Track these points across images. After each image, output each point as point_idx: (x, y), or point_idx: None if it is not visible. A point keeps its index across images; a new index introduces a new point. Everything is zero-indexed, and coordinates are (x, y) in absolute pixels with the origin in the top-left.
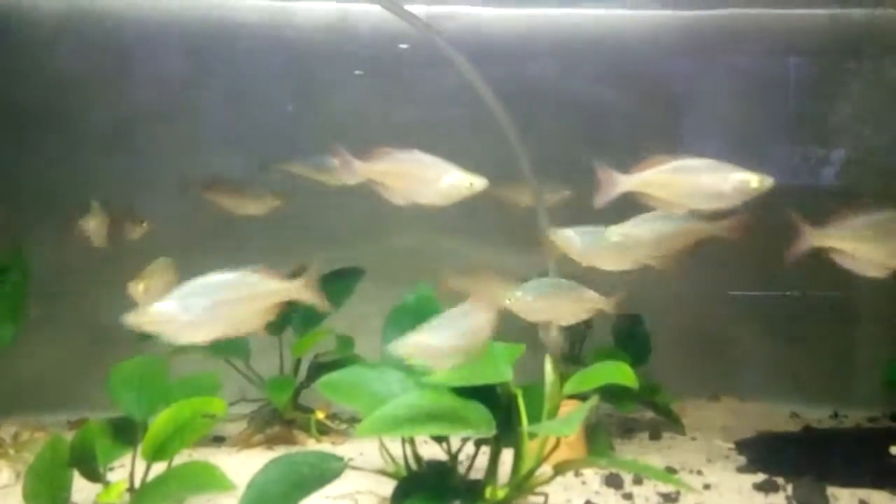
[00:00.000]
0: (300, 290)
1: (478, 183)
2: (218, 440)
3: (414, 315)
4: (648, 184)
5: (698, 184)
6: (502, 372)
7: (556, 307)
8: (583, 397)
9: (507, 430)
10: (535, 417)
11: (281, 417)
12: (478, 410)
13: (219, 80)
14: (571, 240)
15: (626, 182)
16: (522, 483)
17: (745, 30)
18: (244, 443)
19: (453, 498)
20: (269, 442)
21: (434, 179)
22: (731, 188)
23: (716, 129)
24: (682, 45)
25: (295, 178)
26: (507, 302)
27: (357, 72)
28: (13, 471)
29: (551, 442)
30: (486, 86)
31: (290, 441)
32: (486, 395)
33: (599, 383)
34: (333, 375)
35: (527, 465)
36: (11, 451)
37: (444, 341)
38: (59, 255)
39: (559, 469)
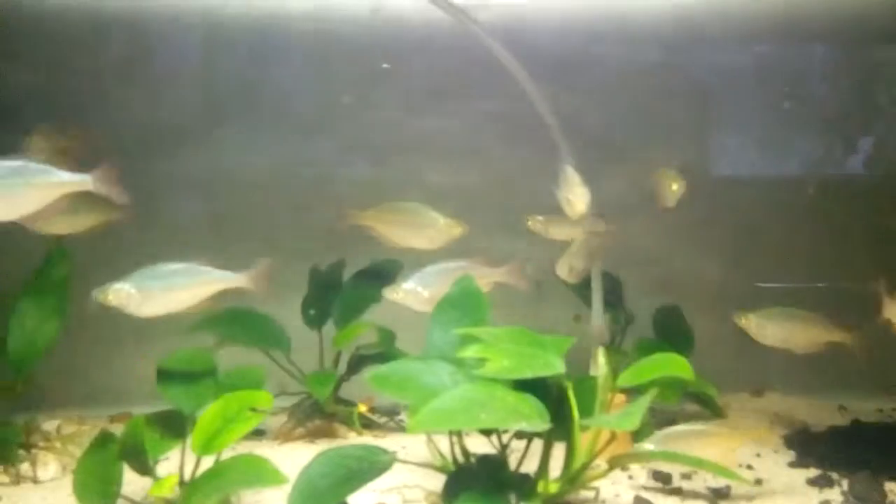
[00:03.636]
0: (243, 281)
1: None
2: (259, 433)
3: (459, 307)
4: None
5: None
6: (554, 364)
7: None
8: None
9: (559, 424)
10: (586, 411)
11: (322, 411)
12: (531, 403)
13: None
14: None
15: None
16: (575, 477)
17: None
18: (285, 436)
19: (507, 491)
20: (311, 435)
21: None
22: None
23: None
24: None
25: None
26: (394, 295)
27: (384, 65)
28: (60, 464)
29: (605, 436)
30: (525, 74)
31: (331, 434)
32: (538, 388)
33: (655, 375)
34: (383, 368)
35: (580, 459)
36: (58, 445)
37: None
38: (96, 250)
39: (614, 463)
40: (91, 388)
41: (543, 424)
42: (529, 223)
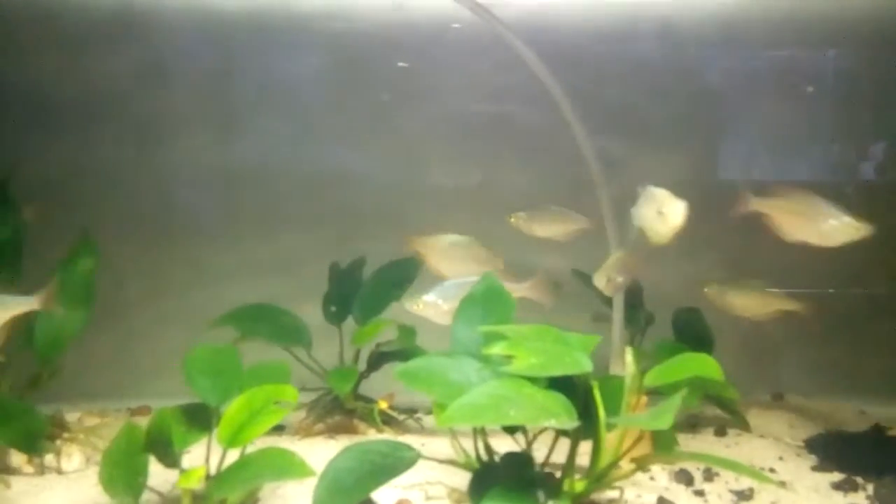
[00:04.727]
0: (36, 304)
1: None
2: (278, 429)
3: (482, 305)
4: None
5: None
6: (582, 362)
7: None
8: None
9: (585, 422)
10: (612, 410)
11: (342, 407)
12: (559, 400)
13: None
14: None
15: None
16: (602, 476)
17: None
18: (305, 431)
19: (534, 489)
20: (330, 431)
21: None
22: (837, 233)
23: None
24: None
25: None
26: (415, 307)
27: (401, 63)
28: (84, 455)
29: (631, 435)
30: (548, 72)
31: (350, 431)
32: (564, 386)
33: (683, 376)
34: (410, 364)
35: (607, 458)
36: (81, 436)
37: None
38: (119, 247)
39: (643, 463)
40: (111, 381)
41: (572, 422)
42: (512, 220)
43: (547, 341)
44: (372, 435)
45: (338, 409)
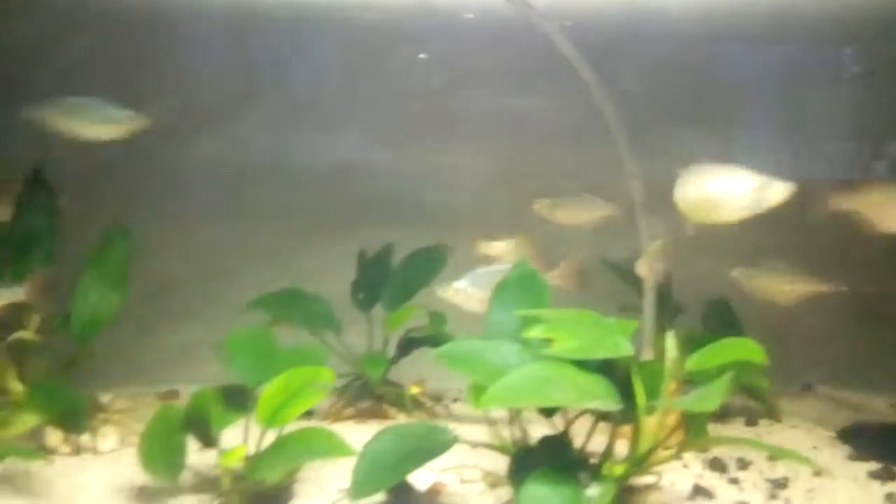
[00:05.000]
0: (22, 296)
1: None
2: (308, 413)
3: (518, 290)
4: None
5: None
6: (622, 346)
7: None
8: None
9: (626, 406)
10: (652, 395)
11: (371, 392)
12: (601, 383)
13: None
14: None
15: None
16: (641, 461)
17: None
18: (335, 416)
19: (576, 472)
20: (360, 416)
21: None
22: None
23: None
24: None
25: None
26: (446, 293)
27: (421, 55)
28: (119, 436)
29: (671, 420)
30: (584, 64)
31: (380, 416)
32: (604, 370)
33: (726, 360)
34: (449, 346)
35: (647, 442)
36: (116, 417)
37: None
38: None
39: (682, 448)
40: (139, 365)
41: (615, 404)
42: (536, 206)
43: (585, 325)
44: (401, 420)
45: (367, 394)
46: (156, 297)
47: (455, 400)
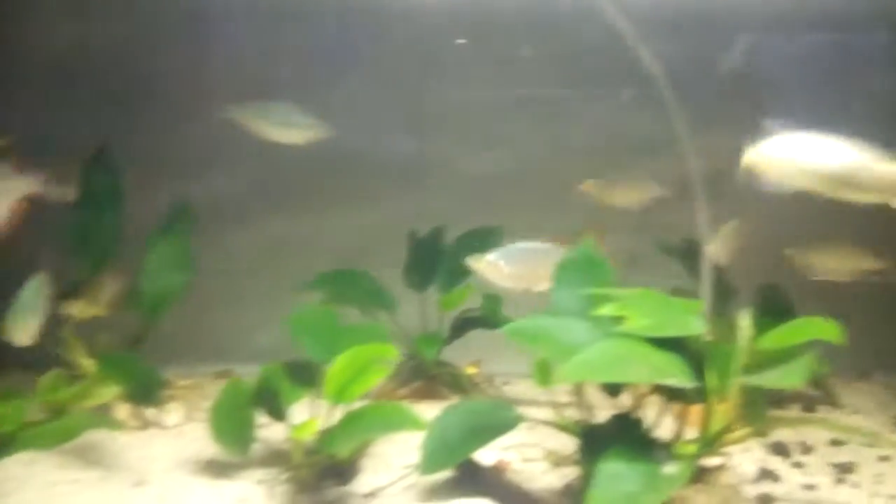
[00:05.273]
0: (36, 186)
1: None
2: None
3: (582, 270)
4: None
5: None
6: (694, 324)
7: (530, 271)
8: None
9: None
10: (724, 374)
11: (424, 372)
12: (675, 360)
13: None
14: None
15: None
16: (713, 441)
17: None
18: (388, 396)
19: (649, 450)
20: (413, 396)
21: None
22: None
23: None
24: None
25: None
26: (476, 265)
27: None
28: (185, 411)
29: (738, 402)
30: (650, 55)
31: (434, 396)
32: (675, 348)
33: (803, 339)
34: (518, 323)
35: (719, 422)
36: (181, 393)
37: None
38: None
39: (759, 429)
40: (197, 344)
41: (690, 382)
42: (584, 186)
43: (654, 304)
44: (454, 401)
45: (419, 374)
46: (215, 278)
47: (506, 383)
